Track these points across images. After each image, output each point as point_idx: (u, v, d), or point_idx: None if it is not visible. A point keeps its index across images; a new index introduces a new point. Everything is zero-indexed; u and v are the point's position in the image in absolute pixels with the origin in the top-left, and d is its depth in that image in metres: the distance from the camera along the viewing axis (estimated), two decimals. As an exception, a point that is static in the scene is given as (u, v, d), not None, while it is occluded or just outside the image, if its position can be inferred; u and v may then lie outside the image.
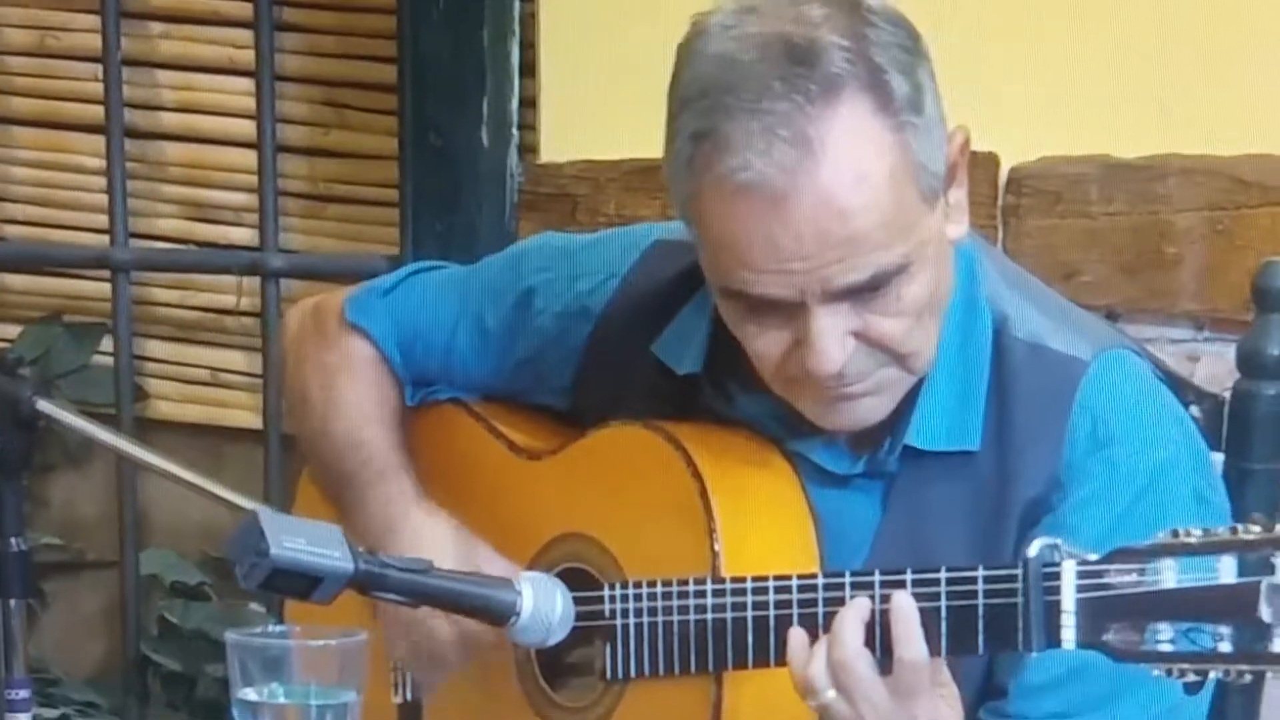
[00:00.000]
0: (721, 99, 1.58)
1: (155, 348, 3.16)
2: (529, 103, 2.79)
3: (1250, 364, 1.88)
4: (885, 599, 1.57)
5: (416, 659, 1.79)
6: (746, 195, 1.57)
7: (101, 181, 3.04)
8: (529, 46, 2.78)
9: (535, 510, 1.79)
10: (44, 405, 2.02)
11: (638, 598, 1.68)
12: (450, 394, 1.89)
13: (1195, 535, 1.47)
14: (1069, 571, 1.51)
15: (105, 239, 3.05)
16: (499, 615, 1.67)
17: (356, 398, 1.86)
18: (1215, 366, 2.44)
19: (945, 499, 1.68)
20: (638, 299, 1.78)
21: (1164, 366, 1.82)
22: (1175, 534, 1.48)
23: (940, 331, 1.67)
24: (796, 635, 1.58)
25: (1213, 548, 1.45)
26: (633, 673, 1.69)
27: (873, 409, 1.66)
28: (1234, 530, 1.45)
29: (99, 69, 3.02)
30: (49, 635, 3.19)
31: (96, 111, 3.04)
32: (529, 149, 2.79)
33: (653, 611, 1.67)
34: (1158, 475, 1.67)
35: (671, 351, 1.75)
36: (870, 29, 1.59)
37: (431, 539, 1.77)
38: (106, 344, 3.09)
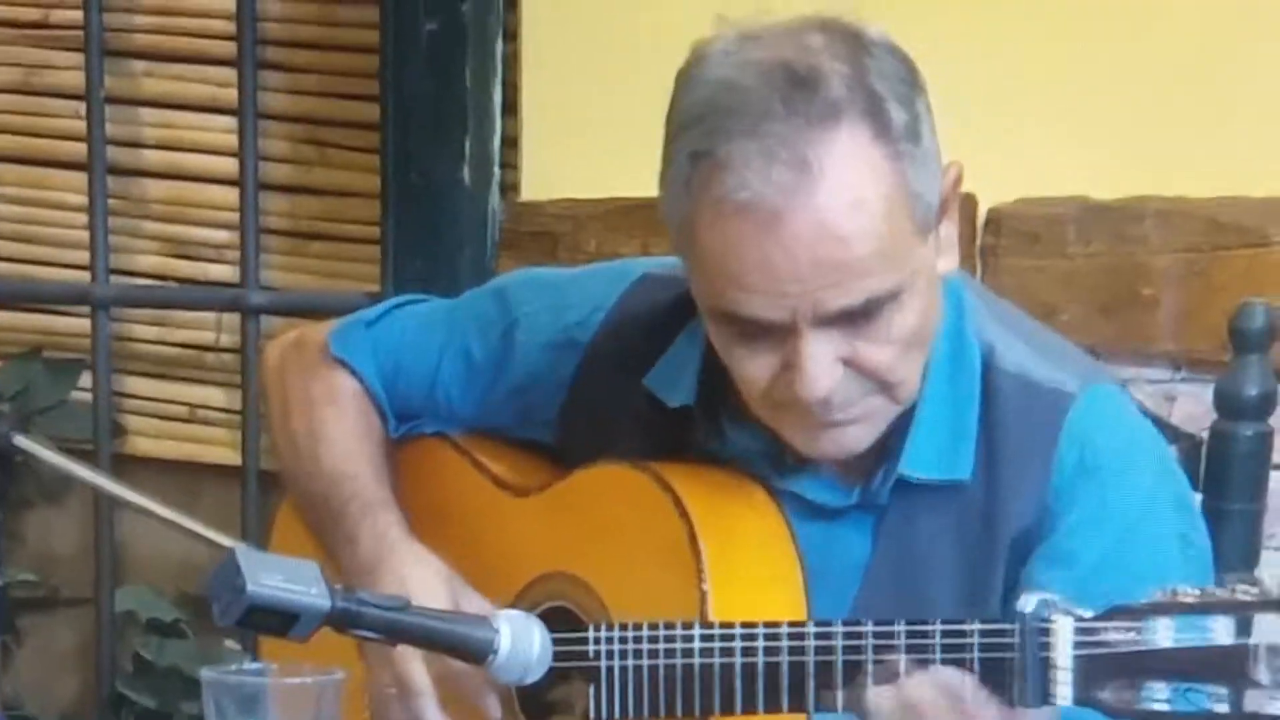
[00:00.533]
0: (721, 121, 1.59)
1: (134, 384, 3.16)
2: (511, 141, 2.79)
3: (1227, 405, 1.89)
4: (877, 650, 1.56)
5: (394, 700, 1.78)
6: (743, 215, 1.58)
7: (83, 218, 3.04)
8: (511, 86, 2.79)
9: (520, 548, 1.78)
10: (21, 440, 2.02)
11: (623, 640, 1.67)
12: (435, 427, 1.88)
13: (1191, 595, 1.47)
14: (1065, 628, 1.51)
15: (86, 275, 3.05)
16: (476, 653, 1.66)
17: (342, 432, 1.86)
18: (1192, 407, 2.45)
19: (935, 531, 1.68)
20: (626, 332, 1.78)
21: (1142, 407, 1.82)
22: (1172, 593, 1.48)
23: (928, 362, 1.68)
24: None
25: (1208, 608, 1.46)
26: (617, 715, 1.68)
27: (857, 438, 1.66)
28: (1231, 591, 1.46)
29: (82, 106, 3.02)
30: (23, 672, 3.18)
31: (79, 148, 3.05)
32: (510, 187, 2.80)
33: (639, 654, 1.66)
34: (1149, 506, 1.68)
35: (663, 384, 1.75)
36: (870, 59, 1.60)
37: (418, 577, 1.76)
38: (85, 380, 3.09)
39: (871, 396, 1.64)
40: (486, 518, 1.82)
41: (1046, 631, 1.51)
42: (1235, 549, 1.86)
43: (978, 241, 2.54)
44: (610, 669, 1.67)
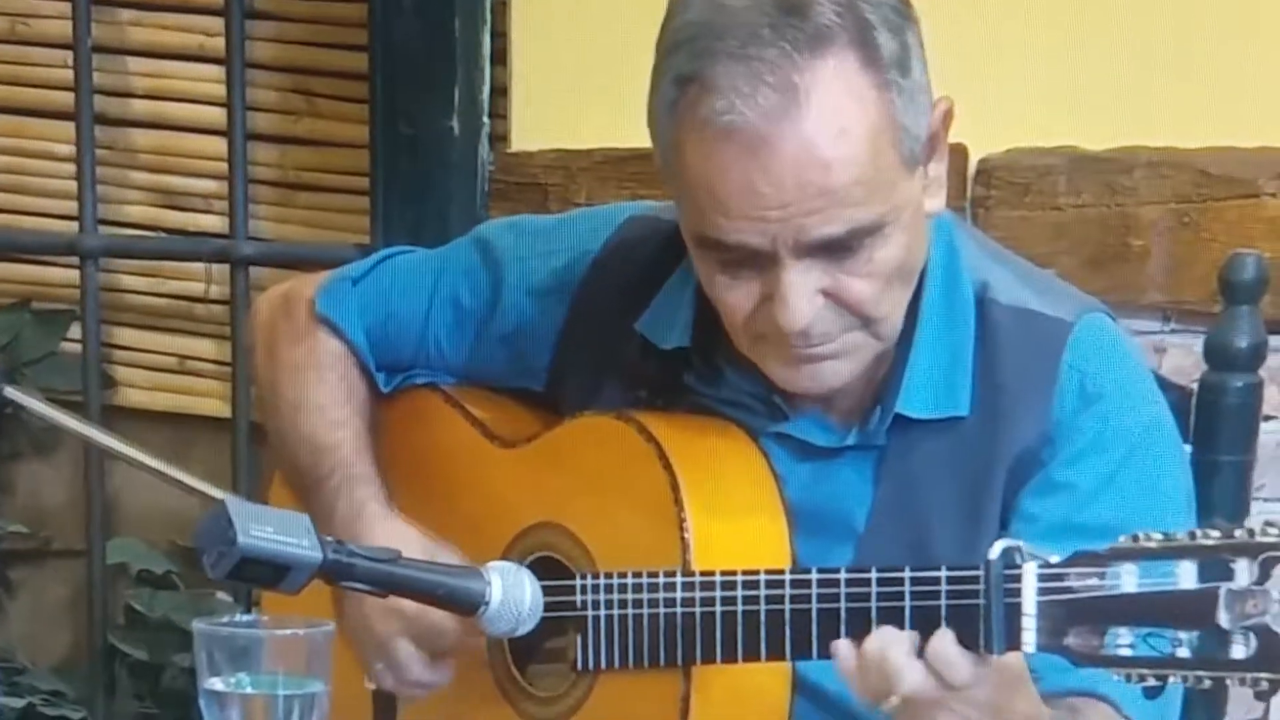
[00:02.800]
0: (709, 44, 1.58)
1: (123, 335, 3.15)
2: (500, 91, 2.78)
3: (1217, 356, 1.89)
4: (850, 598, 1.57)
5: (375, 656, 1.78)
6: (728, 139, 1.58)
7: (71, 168, 3.03)
8: (500, 35, 2.78)
9: (509, 499, 1.79)
10: (11, 392, 2.01)
11: (608, 589, 1.68)
12: (427, 379, 1.88)
13: (1155, 539, 1.47)
14: (1030, 574, 1.51)
15: (74, 225, 3.04)
16: (468, 604, 1.67)
17: (325, 398, 1.86)
18: (1182, 358, 2.45)
19: (936, 466, 1.69)
20: (614, 276, 1.78)
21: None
22: (1135, 538, 1.48)
23: (921, 300, 1.68)
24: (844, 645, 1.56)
25: (1172, 552, 1.46)
26: (603, 664, 1.69)
27: (837, 372, 1.66)
28: (1193, 535, 1.46)
29: (69, 55, 3.01)
30: (15, 624, 3.19)
31: (66, 98, 3.03)
32: (500, 138, 2.79)
33: (623, 604, 1.67)
34: (1149, 431, 1.69)
35: (656, 328, 1.75)
36: None
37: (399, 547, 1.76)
38: (74, 331, 3.09)
39: (852, 331, 1.64)
40: (476, 469, 1.82)
41: (1013, 578, 1.52)
42: (1225, 500, 1.86)
43: (968, 192, 2.54)
44: (596, 618, 1.68)
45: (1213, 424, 1.87)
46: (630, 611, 1.67)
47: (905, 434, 1.69)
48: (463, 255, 1.87)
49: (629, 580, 1.67)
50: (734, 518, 1.69)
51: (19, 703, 2.99)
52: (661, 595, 1.65)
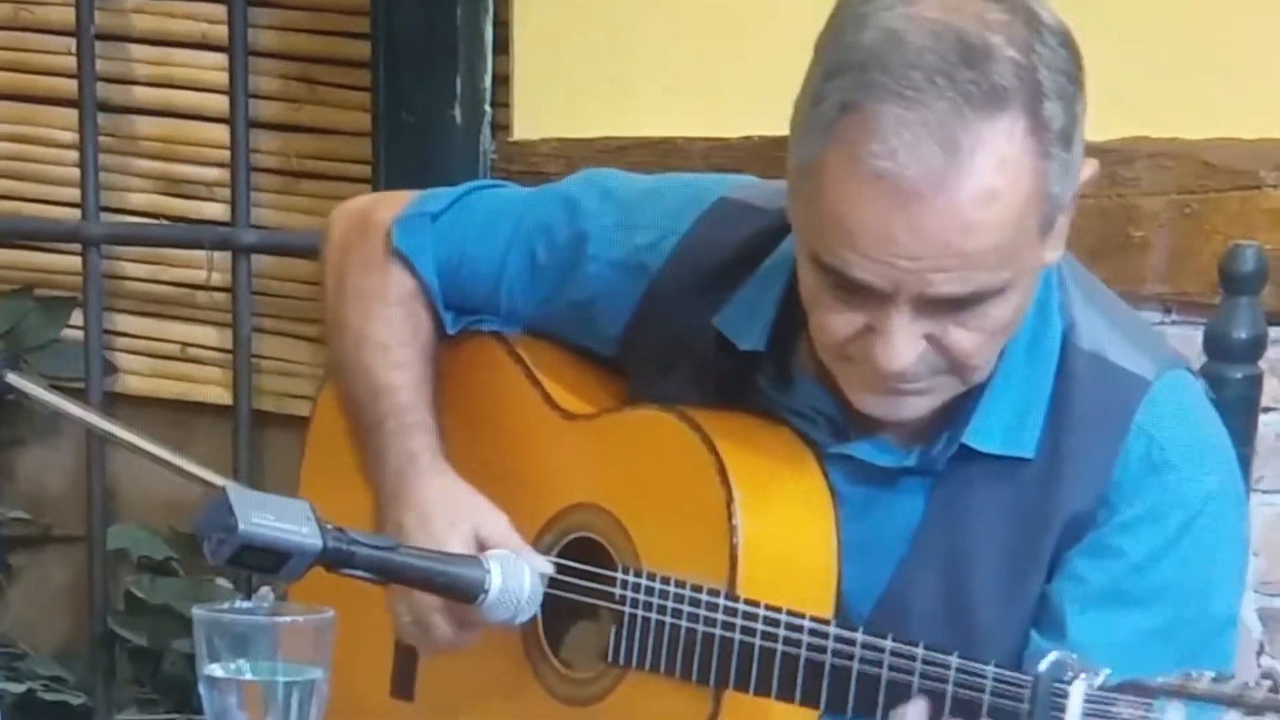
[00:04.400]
0: (881, 76, 1.52)
1: (126, 322, 3.15)
2: (502, 80, 2.78)
3: (1217, 347, 1.89)
4: (892, 668, 1.56)
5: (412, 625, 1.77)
6: (878, 183, 1.53)
7: (74, 155, 3.03)
8: (502, 23, 2.78)
9: (559, 471, 1.77)
10: (13, 379, 2.02)
11: (649, 590, 1.67)
12: (495, 325, 1.84)
13: (1205, 681, 1.46)
14: (1076, 694, 1.50)
15: (77, 213, 3.04)
16: (467, 592, 1.67)
17: (389, 336, 1.82)
18: (1182, 349, 2.43)
19: (989, 503, 1.65)
20: (697, 262, 1.74)
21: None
22: (1186, 677, 1.46)
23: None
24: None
25: (1220, 700, 1.44)
26: (634, 663, 1.68)
27: (917, 407, 1.63)
28: (1245, 685, 1.44)
29: (73, 43, 3.01)
30: (15, 609, 3.19)
31: (70, 85, 3.03)
32: (502, 126, 2.79)
33: (663, 610, 1.66)
34: (1209, 502, 1.65)
35: (734, 326, 1.71)
36: (1044, 47, 1.55)
37: (439, 500, 1.74)
38: (77, 318, 3.09)
39: (942, 374, 1.61)
40: (531, 434, 1.80)
41: (1060, 693, 1.50)
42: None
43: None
44: (634, 616, 1.67)
45: (1212, 415, 1.87)
46: (669, 619, 1.65)
47: (965, 465, 1.65)
48: (547, 208, 1.82)
49: (671, 588, 1.65)
50: (786, 543, 1.67)
51: (19, 688, 2.99)
52: (703, 613, 1.64)
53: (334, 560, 1.61)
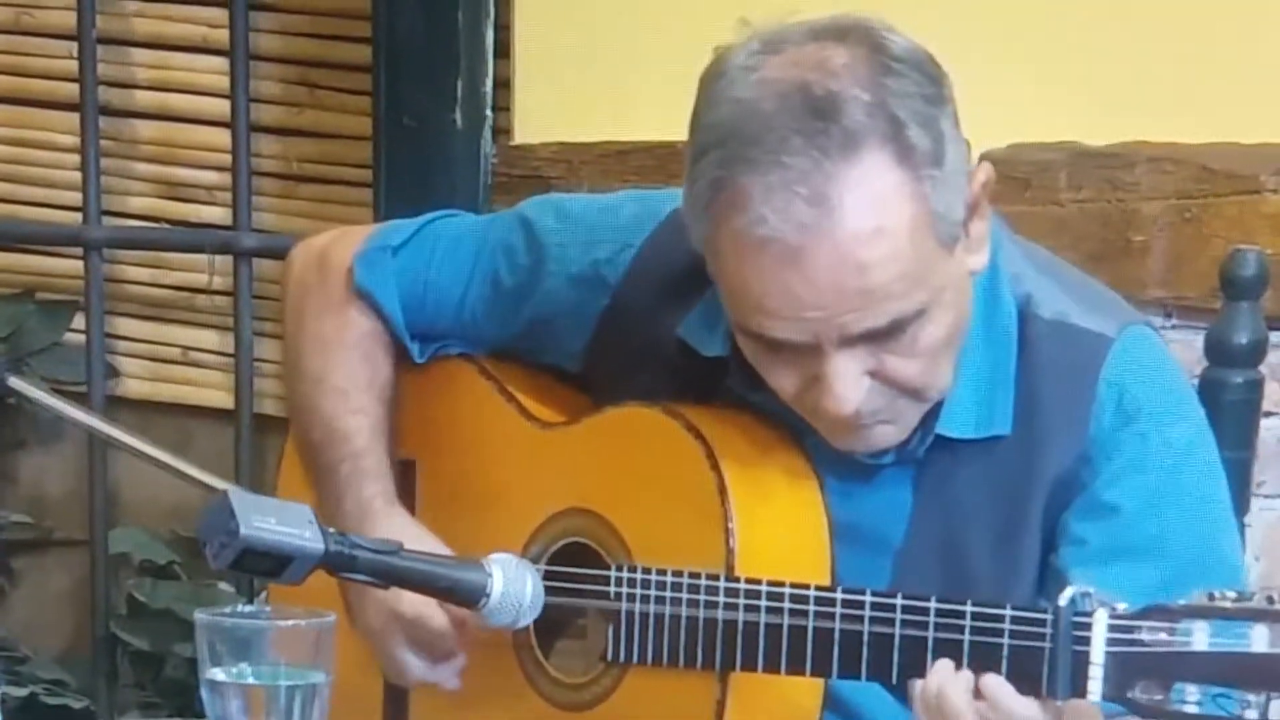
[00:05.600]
0: (741, 150, 1.58)
1: (127, 326, 3.15)
2: (503, 84, 2.78)
3: (1218, 351, 1.89)
4: (905, 624, 1.56)
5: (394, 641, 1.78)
6: (763, 249, 1.58)
7: (75, 159, 3.03)
8: (503, 28, 2.78)
9: (543, 480, 1.77)
10: (14, 382, 2.02)
11: (645, 584, 1.67)
12: (462, 349, 1.86)
13: (1230, 599, 1.46)
14: (1100, 623, 1.50)
15: (78, 217, 3.04)
16: (469, 597, 1.67)
17: (347, 381, 1.84)
18: (1183, 354, 2.43)
19: (974, 484, 1.68)
20: (655, 273, 1.77)
21: None
22: (1210, 596, 1.47)
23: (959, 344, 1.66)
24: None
25: (1247, 614, 1.45)
26: (635, 658, 1.68)
27: (887, 435, 1.66)
28: (1270, 599, 1.45)
29: (74, 47, 3.01)
30: (17, 613, 3.19)
31: (71, 89, 3.04)
32: (503, 130, 2.79)
33: (661, 601, 1.66)
34: (1191, 446, 1.68)
35: (697, 335, 1.74)
36: (892, 78, 1.58)
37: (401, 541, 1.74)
38: (78, 322, 3.09)
39: (900, 400, 1.64)
40: (511, 448, 1.81)
41: (1083, 625, 1.51)
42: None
43: (970, 187, 2.54)
44: (631, 612, 1.68)
45: (1213, 420, 1.86)
46: (669, 610, 1.66)
47: (945, 451, 1.68)
48: (505, 232, 1.85)
49: (669, 578, 1.66)
50: (778, 523, 1.68)
51: (21, 692, 2.99)
52: (703, 598, 1.64)
53: (336, 564, 1.61)
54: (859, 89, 1.57)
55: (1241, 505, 1.88)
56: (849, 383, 1.61)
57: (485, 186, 2.79)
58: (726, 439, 1.68)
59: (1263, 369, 1.90)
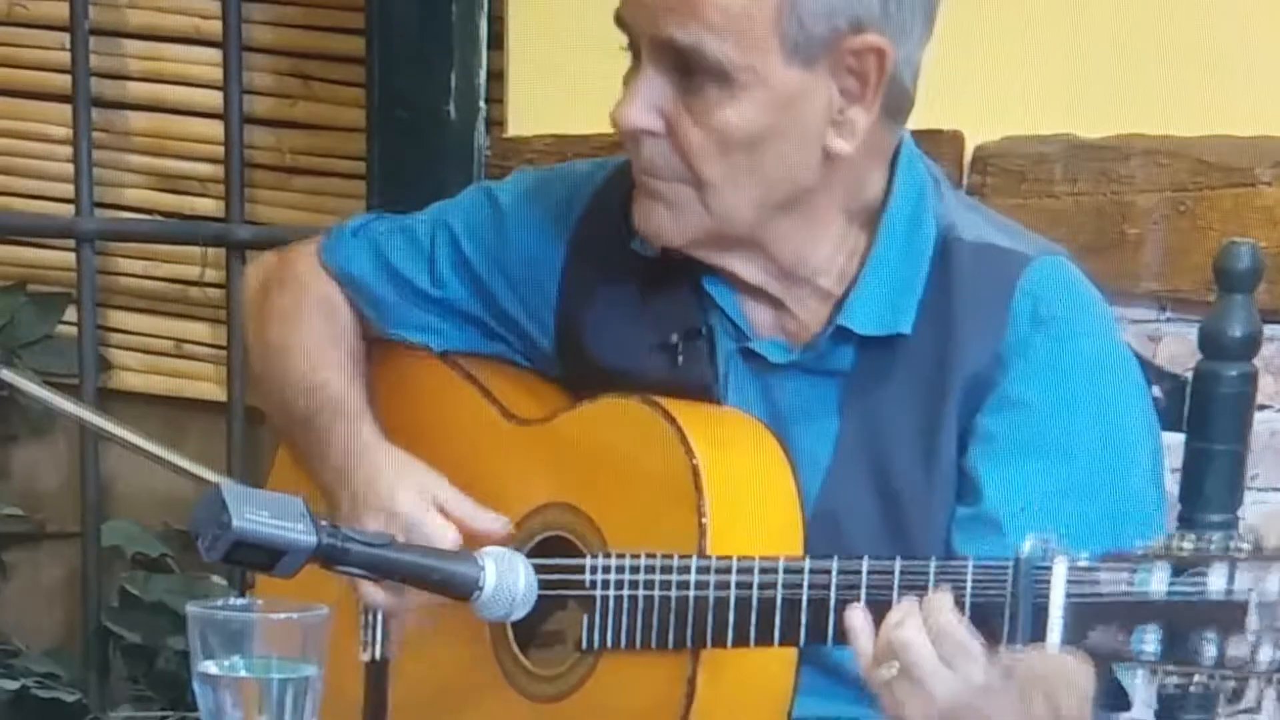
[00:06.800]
0: None
1: (119, 318, 3.15)
2: (497, 76, 2.78)
3: (1212, 345, 1.89)
4: (874, 585, 1.57)
5: None
6: None
7: (67, 151, 3.03)
8: (497, 19, 2.78)
9: (521, 476, 1.78)
10: (7, 374, 2.02)
11: (619, 569, 1.68)
12: (435, 332, 1.87)
13: (1187, 544, 1.47)
14: (1059, 572, 1.51)
15: (70, 208, 3.04)
16: (462, 590, 1.67)
17: (313, 340, 1.86)
18: (1177, 347, 2.45)
19: (895, 393, 1.71)
20: (611, 205, 1.80)
21: (1128, 346, 1.83)
22: (1168, 540, 1.48)
23: (880, 226, 1.70)
24: (857, 615, 1.57)
25: (1204, 559, 1.46)
26: (609, 644, 1.69)
27: (662, 220, 1.71)
28: (1227, 544, 1.46)
29: (66, 38, 3.00)
30: (9, 606, 3.19)
31: (63, 80, 3.03)
32: (496, 122, 2.79)
33: (634, 584, 1.68)
34: (1106, 359, 1.71)
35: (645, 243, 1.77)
36: None
37: (392, 476, 1.76)
38: (70, 314, 3.09)
39: (682, 185, 1.68)
40: (489, 444, 1.82)
41: (1043, 575, 1.51)
42: (1219, 489, 1.86)
43: (964, 180, 2.54)
44: (605, 598, 1.69)
45: (1207, 413, 1.87)
46: (641, 593, 1.67)
47: (864, 360, 1.71)
48: (464, 198, 1.90)
49: (641, 561, 1.67)
50: (751, 505, 1.69)
51: (13, 685, 2.99)
52: (675, 578, 1.66)
53: (328, 557, 1.61)
54: None
55: (1234, 499, 1.88)
56: (639, 95, 1.67)
57: (479, 178, 2.79)
58: (701, 425, 1.70)
59: (1256, 362, 1.90)
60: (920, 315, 1.70)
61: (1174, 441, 1.84)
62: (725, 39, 1.64)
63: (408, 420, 1.86)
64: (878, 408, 1.71)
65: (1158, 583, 1.47)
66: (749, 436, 1.72)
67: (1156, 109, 2.54)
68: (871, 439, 1.71)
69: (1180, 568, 1.47)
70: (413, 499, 1.74)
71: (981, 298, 1.70)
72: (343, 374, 1.85)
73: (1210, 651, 1.45)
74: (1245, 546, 1.45)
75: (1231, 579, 1.45)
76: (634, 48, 1.70)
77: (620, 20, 1.70)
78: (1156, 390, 1.83)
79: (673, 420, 1.70)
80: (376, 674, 1.82)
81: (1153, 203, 2.52)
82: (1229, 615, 1.45)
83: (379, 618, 1.78)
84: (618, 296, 1.79)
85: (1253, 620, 1.44)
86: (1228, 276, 1.88)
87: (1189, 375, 1.89)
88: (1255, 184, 2.50)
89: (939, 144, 2.50)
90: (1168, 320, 2.53)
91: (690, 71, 1.66)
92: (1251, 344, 1.89)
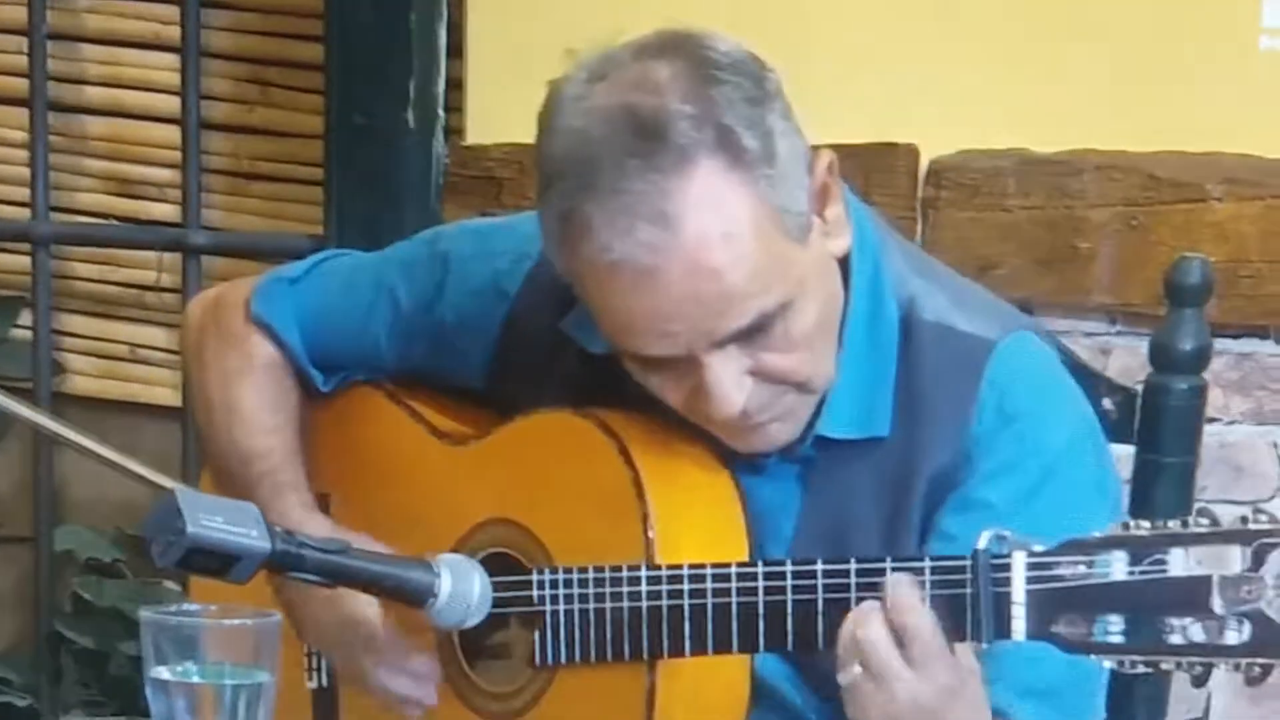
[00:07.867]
0: (580, 180, 1.61)
1: (75, 323, 3.14)
2: (455, 84, 2.79)
3: (1162, 358, 1.90)
4: (827, 589, 1.58)
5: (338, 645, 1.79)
6: (617, 273, 1.61)
7: (24, 154, 3.02)
8: (456, 28, 2.78)
9: (459, 496, 1.78)
10: (-40, 379, 2.01)
11: (568, 584, 1.68)
12: (368, 376, 1.88)
13: (1145, 527, 1.48)
14: (1019, 563, 1.51)
15: (26, 212, 3.03)
16: (417, 596, 1.67)
17: (255, 404, 1.86)
18: (1128, 360, 2.47)
19: (858, 483, 1.70)
20: (552, 282, 1.77)
21: (1076, 359, 1.84)
22: (1125, 526, 1.48)
23: (845, 323, 1.69)
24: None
25: (1163, 540, 1.46)
26: (563, 659, 1.69)
27: (781, 432, 1.69)
28: (1185, 523, 1.46)
29: (24, 42, 3.00)
30: (-39, 611, 3.18)
31: (21, 84, 3.03)
32: (455, 131, 2.79)
33: (584, 598, 1.67)
34: (1067, 453, 1.70)
35: (581, 331, 1.75)
36: (715, 88, 1.61)
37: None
38: (25, 318, 3.08)
39: (787, 395, 1.67)
40: (424, 467, 1.82)
41: (1002, 567, 1.52)
42: (1168, 502, 1.88)
43: (919, 194, 2.56)
44: (556, 613, 1.68)
45: (1157, 425, 1.88)
46: (593, 606, 1.66)
47: (830, 450, 1.70)
48: (406, 252, 1.88)
49: (590, 574, 1.67)
50: (695, 511, 1.69)
51: (-36, 689, 2.98)
52: (625, 589, 1.65)
53: (283, 563, 1.61)
54: (683, 103, 1.60)
55: (1184, 511, 1.89)
56: (729, 385, 1.63)
57: (437, 187, 2.80)
58: (638, 434, 1.70)
59: (1206, 376, 1.92)
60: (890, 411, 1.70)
61: (1124, 453, 1.85)
62: (771, 287, 1.61)
63: (338, 450, 1.86)
64: (840, 492, 1.70)
65: (1118, 567, 1.47)
66: (687, 441, 1.71)
67: (1109, 124, 2.56)
68: (833, 522, 1.70)
69: (1139, 552, 1.47)
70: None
71: (946, 393, 1.69)
72: (283, 442, 1.85)
73: (1175, 637, 1.45)
74: (1204, 523, 1.45)
75: (1192, 558, 1.44)
76: (654, 361, 1.64)
77: (641, 355, 1.63)
78: (1107, 402, 1.84)
79: (611, 432, 1.69)
80: (326, 701, 1.82)
81: (1105, 217, 2.54)
82: (1192, 596, 1.45)
83: None
84: (559, 382, 1.77)
85: (1216, 600, 1.44)
86: (1178, 291, 1.90)
87: (1139, 388, 1.90)
88: (1206, 199, 2.52)
89: (894, 157, 2.51)
90: (1118, 333, 2.55)
91: (755, 330, 1.63)
92: (1201, 357, 1.91)
